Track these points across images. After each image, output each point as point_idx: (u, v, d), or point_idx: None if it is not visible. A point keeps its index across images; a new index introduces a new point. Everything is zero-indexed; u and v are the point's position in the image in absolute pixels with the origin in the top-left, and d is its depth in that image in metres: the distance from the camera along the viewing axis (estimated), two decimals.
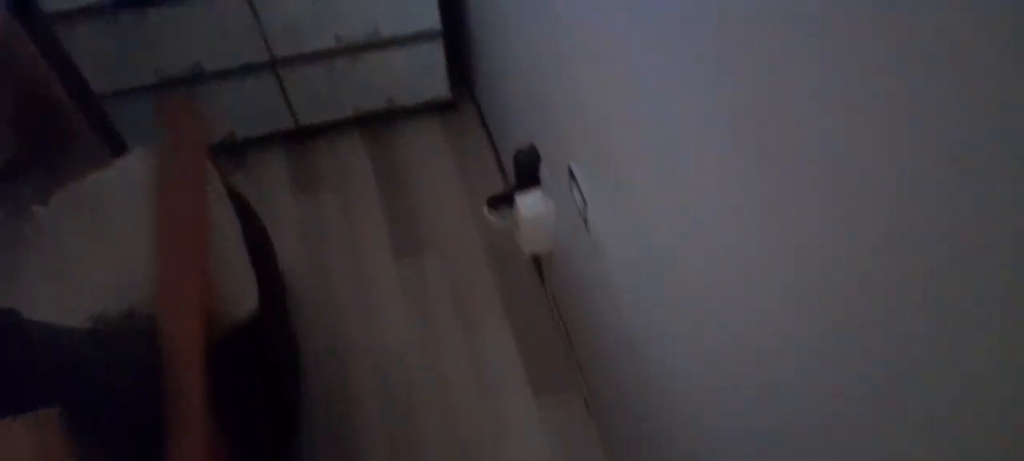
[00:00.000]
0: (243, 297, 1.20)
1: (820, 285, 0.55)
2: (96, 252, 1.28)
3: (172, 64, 1.82)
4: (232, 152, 2.17)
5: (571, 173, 1.21)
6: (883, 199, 0.45)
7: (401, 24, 1.93)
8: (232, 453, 1.41)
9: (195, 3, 1.69)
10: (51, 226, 1.32)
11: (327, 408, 1.70)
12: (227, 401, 1.24)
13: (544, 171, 1.46)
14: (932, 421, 0.47)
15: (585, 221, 1.20)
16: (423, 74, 2.10)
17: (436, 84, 2.15)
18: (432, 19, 1.94)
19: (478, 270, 1.91)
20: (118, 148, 1.98)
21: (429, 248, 1.97)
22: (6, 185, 1.35)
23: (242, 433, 1.40)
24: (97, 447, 1.07)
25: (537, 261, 1.83)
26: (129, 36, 1.71)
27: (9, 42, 1.37)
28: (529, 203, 1.48)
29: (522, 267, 1.89)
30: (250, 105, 2.01)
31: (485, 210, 1.60)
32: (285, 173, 2.17)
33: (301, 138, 2.21)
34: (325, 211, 2.08)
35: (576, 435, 1.62)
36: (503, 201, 1.59)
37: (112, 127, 1.94)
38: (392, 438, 1.65)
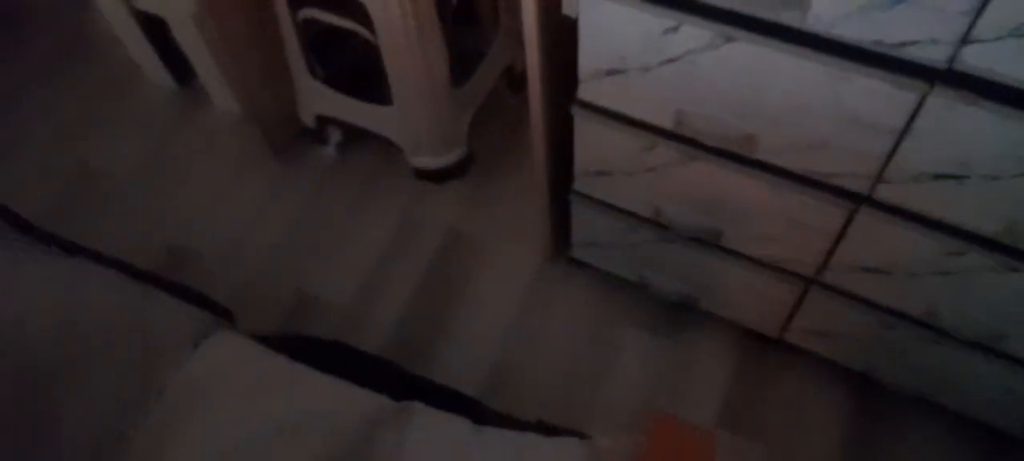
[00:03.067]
0: None
1: None
2: None
3: None
4: (676, 312, 1.66)
5: None
6: None
7: None
8: None
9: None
10: None
11: None
12: None
13: None
14: None
15: None
16: (1001, 398, 1.36)
17: (1006, 417, 1.40)
18: None
19: None
20: None
21: None
22: None
23: None
24: None
25: None
26: None
27: None
28: None
29: None
30: (733, 287, 1.46)
31: None
32: (724, 374, 1.61)
33: (768, 346, 1.61)
34: None
35: None
36: None
37: None
38: None
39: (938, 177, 0.98)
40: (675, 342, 1.64)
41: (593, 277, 1.70)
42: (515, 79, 1.90)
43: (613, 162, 1.29)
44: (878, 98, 0.92)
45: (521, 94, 1.53)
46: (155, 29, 1.93)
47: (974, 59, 0.84)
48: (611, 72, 1.09)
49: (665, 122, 1.13)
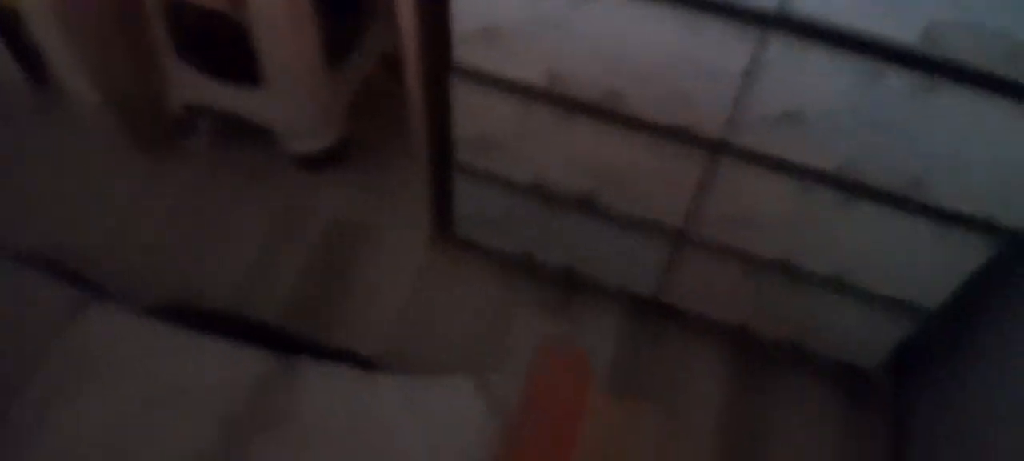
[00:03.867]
0: None
1: None
2: None
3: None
4: (559, 284, 1.75)
5: None
6: None
7: (878, 281, 1.36)
8: None
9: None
10: None
11: None
12: None
13: None
14: None
15: None
16: (856, 334, 1.52)
17: (863, 353, 1.57)
18: (928, 296, 1.35)
19: None
20: None
21: None
22: None
23: None
24: None
25: None
26: None
27: None
28: None
29: None
30: (611, 251, 1.56)
31: None
32: (610, 344, 1.71)
33: (649, 312, 1.73)
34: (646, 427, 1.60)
35: None
36: None
37: None
38: None
39: (782, 118, 1.10)
40: (563, 315, 1.73)
41: (483, 257, 1.76)
42: (395, 64, 1.94)
43: (492, 128, 1.36)
44: (722, 46, 1.03)
45: (401, 76, 1.58)
46: (5, 22, 1.84)
47: (803, 5, 0.96)
48: (485, 32, 1.16)
49: (540, 81, 1.21)
